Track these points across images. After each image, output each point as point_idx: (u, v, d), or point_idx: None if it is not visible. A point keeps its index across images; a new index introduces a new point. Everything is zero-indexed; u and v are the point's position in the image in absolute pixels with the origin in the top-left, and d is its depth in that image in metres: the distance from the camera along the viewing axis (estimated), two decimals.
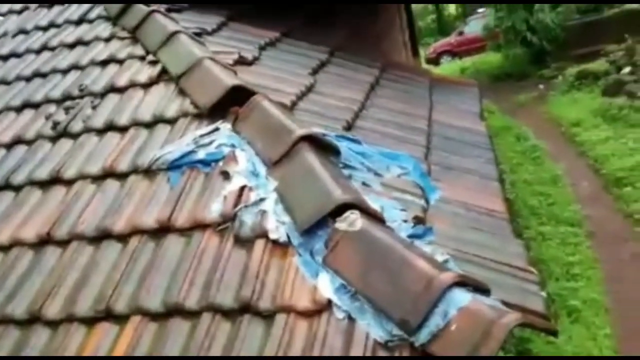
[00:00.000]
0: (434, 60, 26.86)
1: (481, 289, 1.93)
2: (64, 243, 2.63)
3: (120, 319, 2.24)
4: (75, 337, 2.25)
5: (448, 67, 23.77)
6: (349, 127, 3.44)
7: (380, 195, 2.58)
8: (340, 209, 2.20)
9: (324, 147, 2.71)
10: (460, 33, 27.91)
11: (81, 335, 2.25)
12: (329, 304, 2.02)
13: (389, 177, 2.83)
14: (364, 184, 2.67)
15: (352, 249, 2.11)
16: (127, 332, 2.19)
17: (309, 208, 2.29)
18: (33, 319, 2.38)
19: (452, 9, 32.60)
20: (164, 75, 3.43)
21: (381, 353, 1.87)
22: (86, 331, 2.27)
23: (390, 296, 1.93)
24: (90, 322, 2.29)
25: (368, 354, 1.87)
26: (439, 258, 2.15)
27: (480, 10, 24.69)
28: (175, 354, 2.07)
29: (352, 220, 2.17)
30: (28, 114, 3.57)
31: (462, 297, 1.81)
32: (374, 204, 2.39)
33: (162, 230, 2.49)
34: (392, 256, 2.01)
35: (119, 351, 2.15)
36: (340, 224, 2.18)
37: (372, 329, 1.92)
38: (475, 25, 25.13)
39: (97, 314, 2.28)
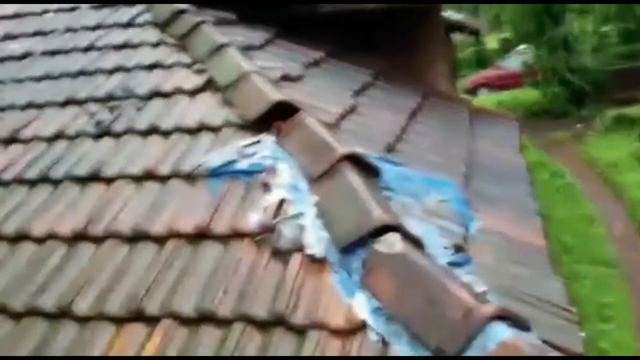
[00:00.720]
0: (471, 92, 26.73)
1: (521, 325, 1.86)
2: (99, 240, 2.62)
3: (151, 321, 2.21)
4: (104, 335, 2.22)
5: (485, 100, 23.64)
6: (390, 149, 3.42)
7: (420, 220, 2.54)
8: (380, 230, 2.16)
9: (365, 167, 2.69)
10: (499, 67, 27.82)
11: (110, 334, 2.23)
12: (364, 325, 1.98)
13: (429, 202, 2.79)
14: (403, 207, 2.63)
15: (390, 271, 2.06)
16: (157, 334, 2.15)
17: (348, 226, 2.26)
18: (62, 314, 2.36)
19: (492, 43, 32.55)
20: (210, 84, 3.44)
21: None
22: (115, 330, 2.24)
23: (427, 323, 1.87)
24: (120, 321, 2.26)
25: None
26: (478, 289, 2.10)
27: (520, 47, 24.59)
28: None
29: (392, 243, 2.13)
30: (71, 110, 3.57)
31: (502, 332, 1.74)
32: (413, 228, 2.35)
33: (199, 236, 2.47)
34: (431, 282, 1.95)
35: (148, 353, 2.12)
36: (379, 245, 2.14)
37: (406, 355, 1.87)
38: (514, 61, 24.99)
39: (128, 314, 2.26)
